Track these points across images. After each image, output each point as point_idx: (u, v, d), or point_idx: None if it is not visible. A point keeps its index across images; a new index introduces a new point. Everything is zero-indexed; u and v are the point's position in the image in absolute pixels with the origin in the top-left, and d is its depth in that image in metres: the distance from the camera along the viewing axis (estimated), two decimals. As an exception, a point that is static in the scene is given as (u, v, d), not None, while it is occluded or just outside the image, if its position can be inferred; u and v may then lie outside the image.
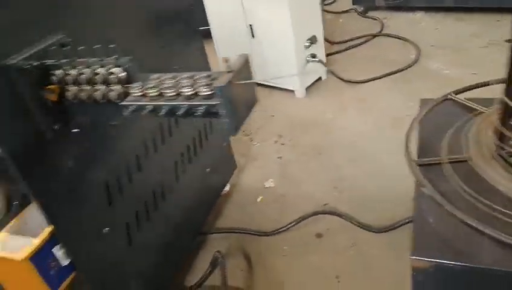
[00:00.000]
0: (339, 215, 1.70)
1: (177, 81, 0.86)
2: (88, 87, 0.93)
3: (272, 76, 2.55)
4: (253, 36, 2.59)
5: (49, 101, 0.95)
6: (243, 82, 0.83)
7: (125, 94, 0.90)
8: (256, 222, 1.80)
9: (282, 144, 2.27)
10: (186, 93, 0.82)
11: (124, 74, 0.89)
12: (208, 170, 1.74)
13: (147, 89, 0.86)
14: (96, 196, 1.16)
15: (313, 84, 2.69)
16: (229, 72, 0.79)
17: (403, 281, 1.44)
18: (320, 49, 2.64)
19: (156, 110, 0.84)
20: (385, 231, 1.60)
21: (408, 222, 1.57)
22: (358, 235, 1.63)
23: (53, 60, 0.94)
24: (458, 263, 0.93)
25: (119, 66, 0.90)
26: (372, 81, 2.61)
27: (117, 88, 0.90)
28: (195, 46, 1.63)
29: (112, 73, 0.89)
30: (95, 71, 0.91)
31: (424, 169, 1.03)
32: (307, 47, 2.52)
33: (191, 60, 1.59)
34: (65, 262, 1.05)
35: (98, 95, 0.92)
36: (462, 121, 1.20)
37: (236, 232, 1.74)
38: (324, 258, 1.58)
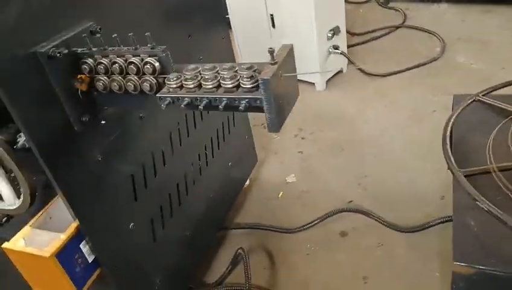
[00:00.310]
0: (366, 213, 1.65)
1: (216, 72, 0.81)
2: (119, 78, 0.88)
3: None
4: (273, 26, 2.51)
5: (79, 91, 0.91)
6: (289, 75, 0.77)
7: (160, 85, 0.85)
8: (278, 218, 1.75)
9: (303, 138, 2.21)
10: (227, 86, 0.77)
11: (158, 64, 0.84)
12: (230, 163, 1.70)
13: (183, 80, 0.81)
14: (122, 191, 1.12)
15: (333, 76, 2.62)
16: (273, 63, 0.74)
17: (431, 284, 1.40)
18: (342, 41, 2.56)
19: (194, 103, 0.79)
20: (414, 231, 1.55)
21: (439, 223, 1.52)
22: (385, 235, 1.58)
23: (83, 48, 0.89)
24: (503, 271, 0.88)
25: (153, 56, 0.84)
26: (396, 75, 2.53)
27: (151, 79, 0.85)
28: (220, 35, 1.57)
29: (146, 63, 0.84)
30: (128, 60, 0.86)
31: (472, 179, 0.96)
32: (330, 38, 2.45)
33: (217, 50, 1.54)
34: (91, 258, 1.02)
35: (130, 86, 0.87)
36: (502, 124, 1.14)
37: (258, 229, 1.70)
38: (350, 257, 1.53)
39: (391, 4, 3.41)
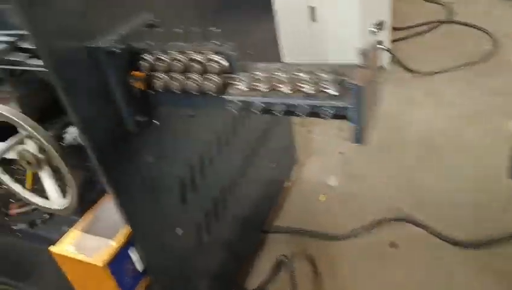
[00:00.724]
0: (420, 225, 1.54)
1: (291, 74, 0.72)
2: (180, 76, 0.80)
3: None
4: (314, 20, 2.40)
5: (135, 89, 0.84)
6: (377, 80, 0.68)
7: (225, 86, 0.77)
8: (320, 223, 1.67)
9: (344, 139, 2.11)
10: (308, 91, 0.68)
11: (226, 62, 0.76)
12: (272, 163, 1.62)
13: (255, 81, 0.73)
14: (171, 194, 1.06)
15: (374, 73, 2.50)
16: (364, 67, 0.65)
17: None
18: (386, 36, 2.43)
19: (270, 108, 0.71)
20: (475, 248, 1.43)
21: (504, 239, 1.40)
22: (440, 249, 1.47)
23: (142, 43, 0.82)
24: None
25: (220, 53, 0.77)
26: (442, 73, 2.39)
27: (216, 79, 0.77)
28: (268, 28, 1.48)
29: (211, 61, 0.77)
30: (191, 58, 0.78)
31: None
32: (374, 33, 2.32)
33: (264, 45, 1.45)
34: (140, 267, 0.96)
35: (192, 85, 0.79)
36: None
37: (301, 234, 1.62)
38: (402, 272, 1.43)
39: (435, -3, 3.23)
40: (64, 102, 0.77)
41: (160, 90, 0.83)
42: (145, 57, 0.82)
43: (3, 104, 1.05)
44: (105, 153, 0.85)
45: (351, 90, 0.63)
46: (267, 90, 0.72)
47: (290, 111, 0.69)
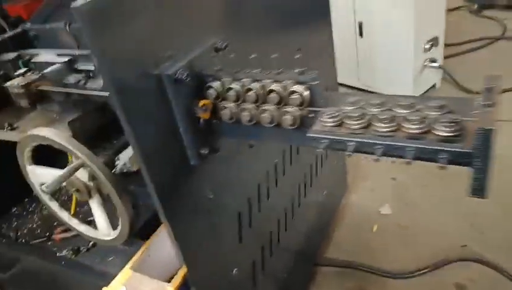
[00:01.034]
0: (492, 266, 1.37)
1: (389, 109, 0.62)
2: (253, 107, 0.72)
3: (384, 82, 2.26)
4: (361, 35, 2.29)
5: (201, 119, 0.76)
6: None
7: (303, 120, 0.68)
8: (374, 257, 1.53)
9: (394, 162, 1.96)
10: (413, 131, 0.58)
11: (307, 93, 0.67)
12: (324, 192, 1.51)
13: (344, 117, 0.63)
14: (228, 231, 0.97)
15: (425, 92, 2.35)
16: (489, 105, 0.54)
17: None
18: (439, 53, 2.29)
19: (363, 149, 0.61)
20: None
21: None
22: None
23: (211, 70, 0.74)
24: None
25: (300, 84, 0.67)
26: (502, 94, 2.21)
27: (295, 111, 0.68)
28: (327, 50, 1.39)
29: (292, 92, 0.67)
30: (268, 88, 0.69)
31: None
32: (427, 50, 2.18)
33: (323, 67, 1.36)
34: (196, 313, 0.87)
35: (266, 118, 0.70)
36: None
37: (355, 269, 1.49)
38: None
39: (485, 12, 3.06)
40: (126, 130, 0.70)
41: (227, 120, 0.75)
42: (212, 85, 0.74)
43: (50, 126, 1.00)
44: (164, 185, 0.77)
45: (471, 132, 0.52)
46: (359, 127, 0.62)
47: (390, 153, 0.59)
